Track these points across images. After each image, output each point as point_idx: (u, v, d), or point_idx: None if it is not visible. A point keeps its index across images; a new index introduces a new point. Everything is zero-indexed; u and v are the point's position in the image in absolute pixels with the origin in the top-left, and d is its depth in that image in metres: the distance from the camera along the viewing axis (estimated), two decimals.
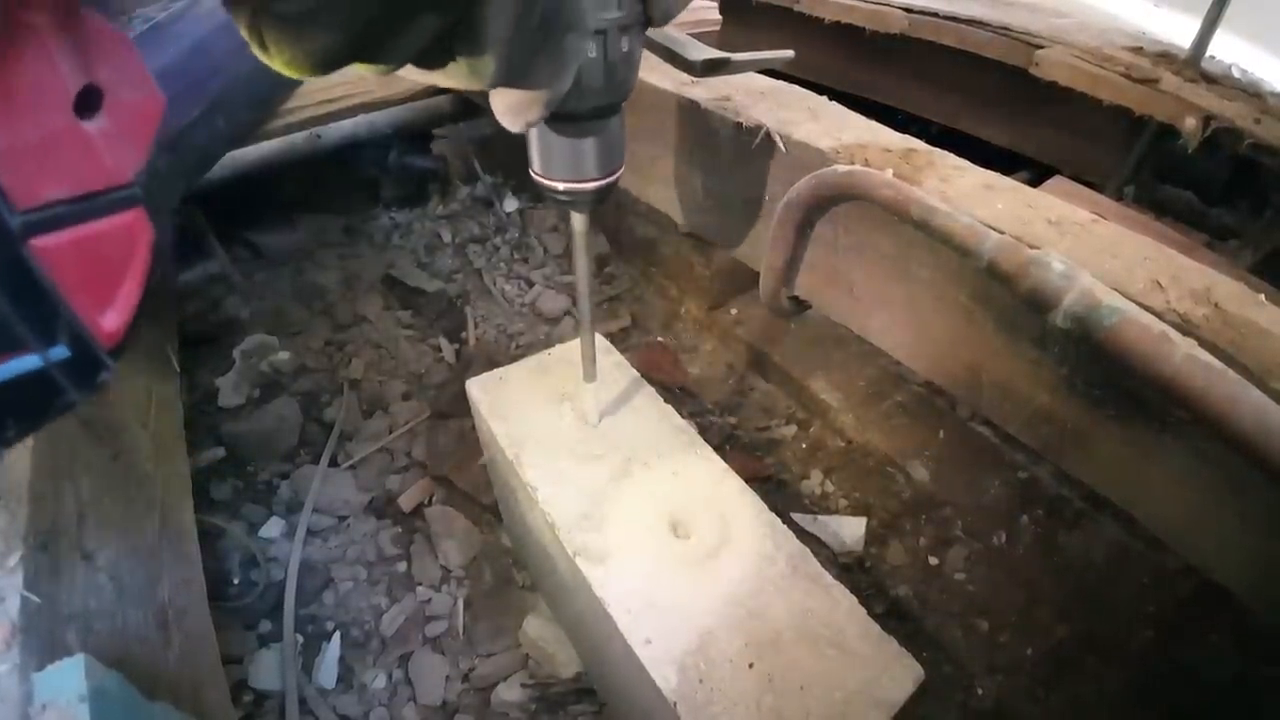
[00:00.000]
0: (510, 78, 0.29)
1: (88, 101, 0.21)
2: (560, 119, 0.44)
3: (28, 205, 0.19)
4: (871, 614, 0.61)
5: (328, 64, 0.25)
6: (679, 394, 1.38)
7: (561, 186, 0.49)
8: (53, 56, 0.20)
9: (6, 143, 0.18)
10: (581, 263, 0.59)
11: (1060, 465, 0.61)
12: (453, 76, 0.29)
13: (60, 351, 0.21)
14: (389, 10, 0.24)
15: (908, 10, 1.33)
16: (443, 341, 1.49)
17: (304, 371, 1.38)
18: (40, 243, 0.20)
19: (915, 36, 1.33)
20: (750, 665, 0.57)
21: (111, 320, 0.22)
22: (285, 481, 1.19)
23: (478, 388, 0.83)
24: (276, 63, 0.24)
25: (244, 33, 0.24)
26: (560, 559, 0.71)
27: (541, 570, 0.93)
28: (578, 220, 0.55)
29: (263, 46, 0.24)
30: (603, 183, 0.49)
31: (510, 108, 0.33)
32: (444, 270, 1.69)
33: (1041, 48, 1.18)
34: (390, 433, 1.28)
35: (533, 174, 0.50)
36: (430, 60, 0.28)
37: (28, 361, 0.20)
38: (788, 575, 0.63)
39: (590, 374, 0.71)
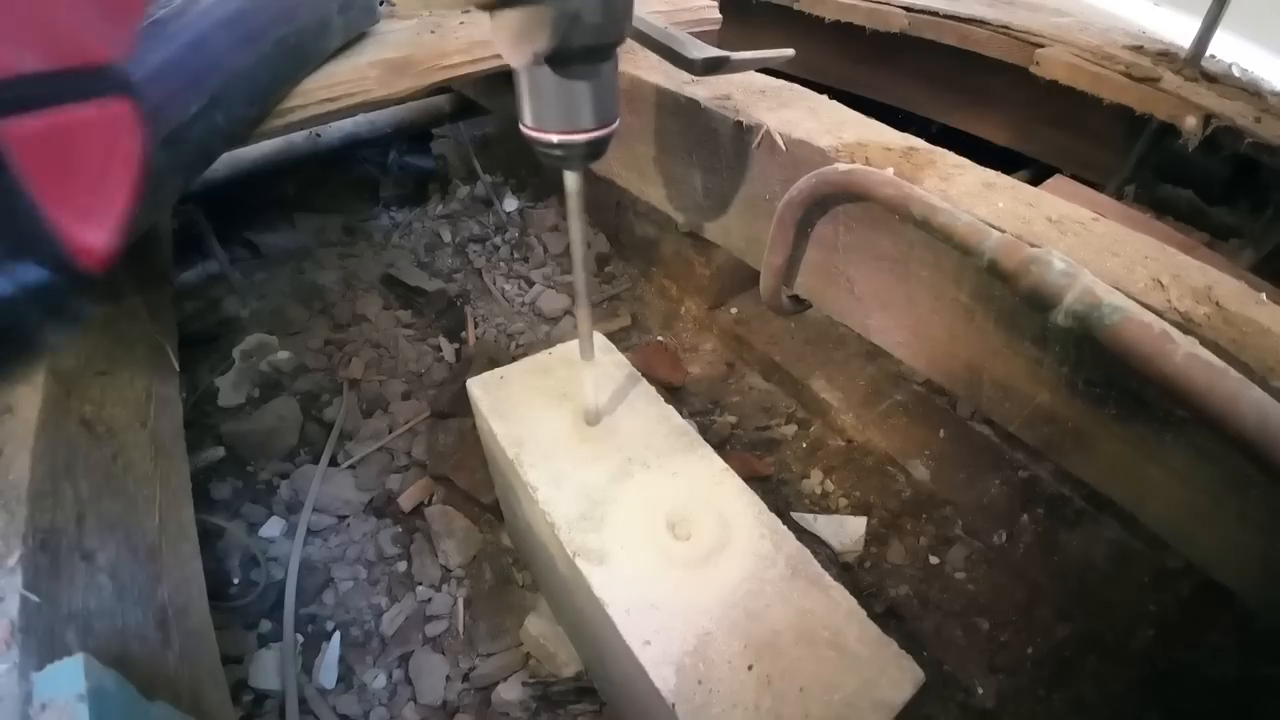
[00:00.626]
0: None
1: None
2: (557, 59, 0.43)
3: None
4: (872, 613, 0.61)
5: None
6: (679, 393, 1.38)
7: (556, 139, 0.48)
8: None
9: None
10: (576, 226, 0.57)
11: (1061, 464, 0.61)
12: None
13: (31, 271, 0.17)
14: None
15: (908, 9, 1.33)
16: (443, 341, 1.49)
17: (304, 371, 1.38)
18: (8, 125, 0.16)
19: (916, 35, 1.33)
20: (749, 667, 0.57)
21: (93, 234, 0.18)
22: (285, 481, 1.19)
23: (478, 387, 0.83)
24: None
25: None
26: (560, 559, 0.71)
27: (542, 569, 0.93)
28: (571, 180, 0.53)
29: None
30: (597, 134, 0.48)
31: (518, 33, 0.33)
32: (444, 270, 1.69)
33: (1042, 46, 1.18)
34: (390, 432, 1.28)
35: (524, 129, 0.49)
36: None
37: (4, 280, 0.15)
38: (787, 576, 0.63)
39: (588, 352, 0.69)
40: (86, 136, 0.17)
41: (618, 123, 0.49)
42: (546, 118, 0.47)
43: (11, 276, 0.15)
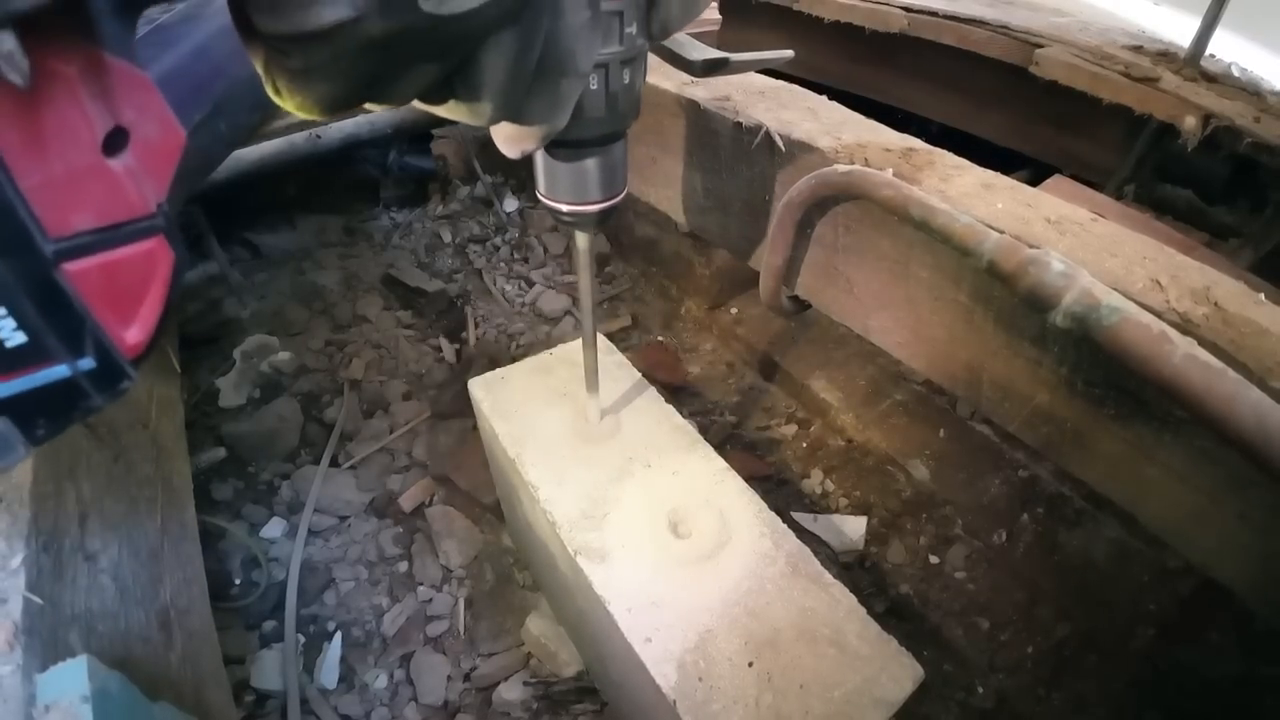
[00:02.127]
0: (506, 117, 0.31)
1: (114, 141, 0.23)
2: (562, 146, 0.46)
3: (59, 234, 0.22)
4: (872, 612, 0.61)
5: (335, 108, 0.27)
6: (679, 393, 1.38)
7: (565, 208, 0.50)
8: (81, 102, 0.22)
9: (40, 179, 0.21)
10: (585, 280, 0.60)
11: (1060, 464, 0.61)
12: (453, 111, 0.30)
13: (87, 362, 0.23)
14: (387, 66, 0.26)
15: (907, 9, 1.33)
16: (443, 341, 1.49)
17: (304, 371, 1.38)
18: (70, 267, 0.22)
19: (915, 35, 1.33)
20: (750, 664, 0.57)
21: (134, 334, 0.24)
22: (286, 482, 1.19)
23: (480, 387, 0.83)
24: (288, 105, 0.26)
25: (261, 74, 0.26)
26: (561, 558, 0.71)
27: (543, 569, 0.93)
28: (581, 239, 0.56)
29: (276, 92, 0.26)
30: (606, 205, 0.50)
31: (508, 139, 0.35)
32: (444, 270, 1.69)
33: (1041, 46, 1.18)
34: (391, 433, 1.28)
35: (538, 194, 0.51)
36: (431, 99, 0.30)
37: (58, 371, 0.23)
38: (787, 574, 0.64)
39: (593, 386, 0.72)
40: (130, 267, 0.23)
41: (625, 190, 0.52)
42: (557, 190, 0.49)
43: (73, 366, 0.23)
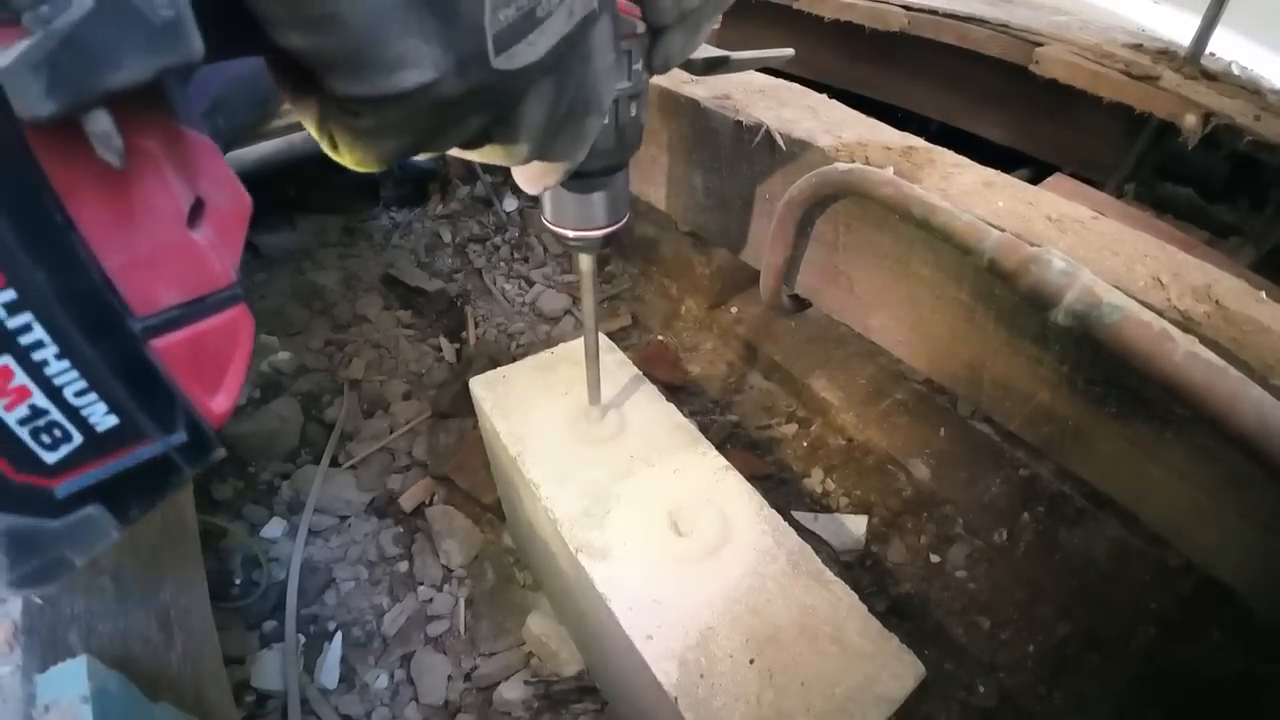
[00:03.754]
0: (540, 155, 0.33)
1: (194, 213, 0.22)
2: (572, 178, 0.47)
3: (147, 312, 0.21)
4: (873, 611, 0.61)
5: (391, 161, 0.28)
6: (680, 392, 1.38)
7: (572, 235, 0.53)
8: (166, 176, 0.21)
9: (127, 258, 0.21)
10: (588, 300, 0.62)
11: (1061, 463, 0.61)
12: (486, 155, 0.32)
13: (179, 437, 0.23)
14: (449, 120, 0.27)
15: (907, 8, 1.33)
16: (443, 341, 1.49)
17: (304, 371, 1.38)
18: (159, 343, 0.22)
19: (915, 34, 1.33)
20: (751, 661, 0.57)
21: (220, 403, 0.24)
22: (286, 481, 1.19)
23: (481, 386, 0.83)
24: (346, 160, 0.27)
25: (313, 133, 0.27)
26: (562, 556, 0.71)
27: (544, 568, 0.93)
28: (585, 261, 0.58)
29: (333, 148, 0.27)
30: (610, 230, 0.53)
31: (531, 178, 0.37)
32: (444, 270, 1.69)
33: (1041, 45, 1.18)
34: (391, 432, 1.28)
35: (543, 220, 0.54)
36: (469, 145, 0.31)
37: (150, 450, 0.23)
38: (788, 572, 0.64)
39: (595, 398, 0.73)
40: (215, 339, 0.23)
41: (628, 216, 0.55)
42: (563, 218, 0.52)
43: (165, 443, 0.23)
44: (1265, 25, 1.34)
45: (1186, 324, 0.48)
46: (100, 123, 0.18)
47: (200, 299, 0.23)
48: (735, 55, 0.57)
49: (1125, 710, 0.91)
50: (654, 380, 0.84)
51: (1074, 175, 1.20)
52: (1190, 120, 1.01)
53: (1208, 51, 1.13)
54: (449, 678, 0.96)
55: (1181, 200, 1.19)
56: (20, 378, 0.19)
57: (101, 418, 0.21)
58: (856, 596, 0.62)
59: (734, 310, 1.52)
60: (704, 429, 1.30)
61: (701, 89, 0.80)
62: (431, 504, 1.17)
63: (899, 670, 0.57)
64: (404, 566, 1.09)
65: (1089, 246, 0.55)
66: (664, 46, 0.40)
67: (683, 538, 0.67)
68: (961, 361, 0.65)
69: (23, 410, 0.20)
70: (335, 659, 0.97)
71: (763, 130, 0.72)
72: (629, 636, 0.59)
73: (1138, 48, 1.18)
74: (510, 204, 1.86)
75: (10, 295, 0.18)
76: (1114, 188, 1.22)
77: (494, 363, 0.88)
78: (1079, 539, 1.06)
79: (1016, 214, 0.58)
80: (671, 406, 0.80)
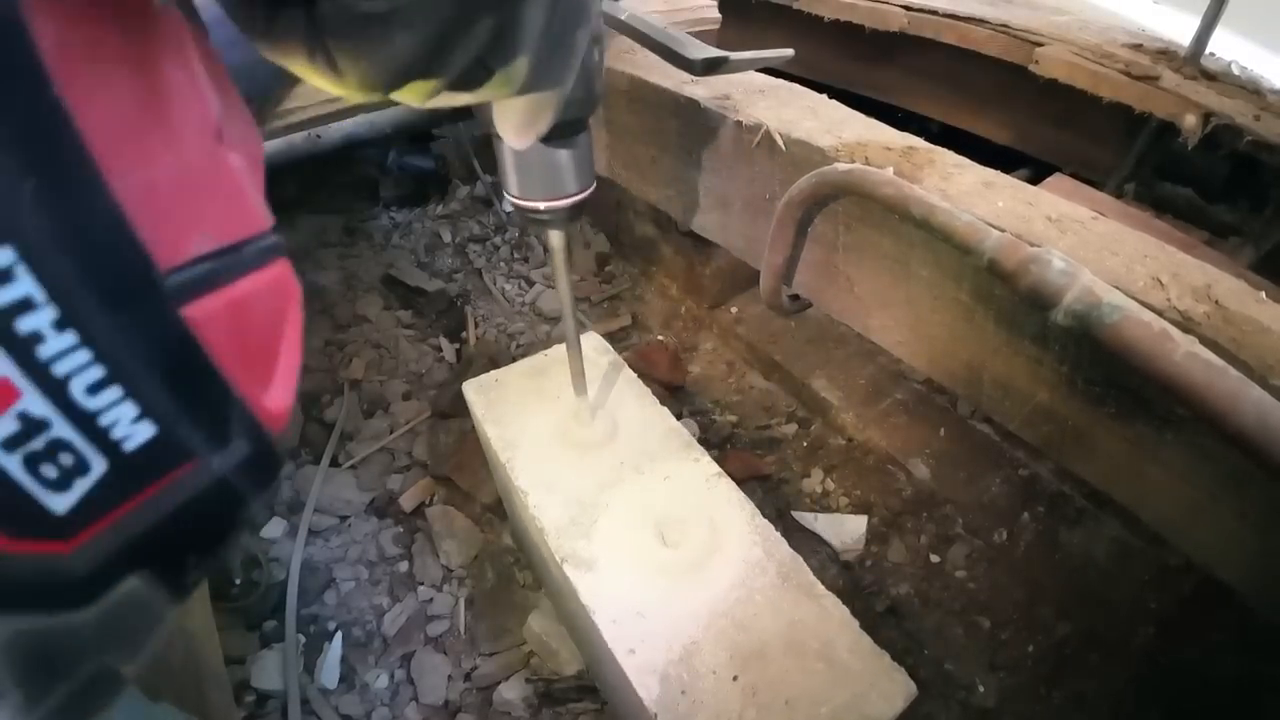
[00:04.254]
0: (535, 78, 0.31)
1: (219, 135, 0.16)
2: (542, 139, 0.47)
3: (174, 263, 0.14)
4: (872, 612, 0.60)
5: (397, 74, 0.25)
6: (679, 393, 1.38)
7: (543, 206, 0.52)
8: (194, 69, 0.16)
9: (147, 177, 0.14)
10: (562, 279, 0.61)
11: (1061, 463, 0.61)
12: (484, 92, 0.30)
13: (238, 450, 0.16)
14: (460, 10, 0.24)
15: (907, 8, 1.33)
16: (443, 341, 1.49)
17: (304, 371, 1.38)
18: (192, 311, 0.15)
19: (915, 34, 1.33)
20: (734, 677, 0.56)
21: (276, 398, 0.17)
22: (286, 481, 1.19)
23: (474, 390, 0.82)
24: (348, 84, 0.24)
25: (302, 64, 0.23)
26: (552, 563, 0.70)
27: (541, 570, 0.93)
28: (556, 238, 0.57)
29: (332, 68, 0.23)
30: (579, 198, 0.52)
31: (522, 121, 0.35)
32: (444, 270, 1.69)
33: (1041, 45, 1.18)
34: (391, 433, 1.28)
35: (510, 198, 0.53)
36: (467, 79, 0.29)
37: (203, 471, 0.15)
38: (777, 585, 0.62)
39: (580, 388, 0.72)
40: (260, 305, 0.16)
41: (594, 185, 0.54)
42: (531, 188, 0.51)
43: (222, 460, 0.15)
44: (1265, 25, 1.34)
45: (1186, 324, 0.48)
46: None
47: (236, 246, 0.16)
48: (735, 56, 0.57)
49: (1125, 710, 0.91)
50: (653, 381, 0.83)
51: (1074, 175, 1.20)
52: (1190, 120, 1.01)
53: (1207, 51, 1.13)
54: (449, 677, 0.96)
55: (1181, 200, 1.19)
56: (2, 365, 0.11)
57: (130, 428, 0.13)
58: (848, 611, 0.60)
59: (734, 310, 1.52)
60: (704, 429, 1.31)
61: (701, 89, 0.80)
62: (431, 504, 1.17)
63: (889, 689, 0.55)
64: (404, 566, 1.09)
65: (1089, 247, 0.55)
66: None
67: (670, 548, 0.65)
68: (961, 361, 0.65)
69: (8, 424, 0.12)
70: (335, 659, 0.97)
71: (763, 130, 0.72)
72: (612, 649, 0.58)
73: (1138, 48, 1.18)
74: (510, 204, 1.86)
75: None
76: (1114, 188, 1.22)
77: (494, 363, 0.88)
78: (1079, 539, 1.06)
79: (1016, 214, 0.58)
80: (665, 410, 0.79)
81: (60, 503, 0.13)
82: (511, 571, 1.08)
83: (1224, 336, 0.47)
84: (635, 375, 0.84)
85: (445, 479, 1.19)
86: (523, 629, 1.00)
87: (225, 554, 0.17)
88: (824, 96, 0.80)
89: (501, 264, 1.72)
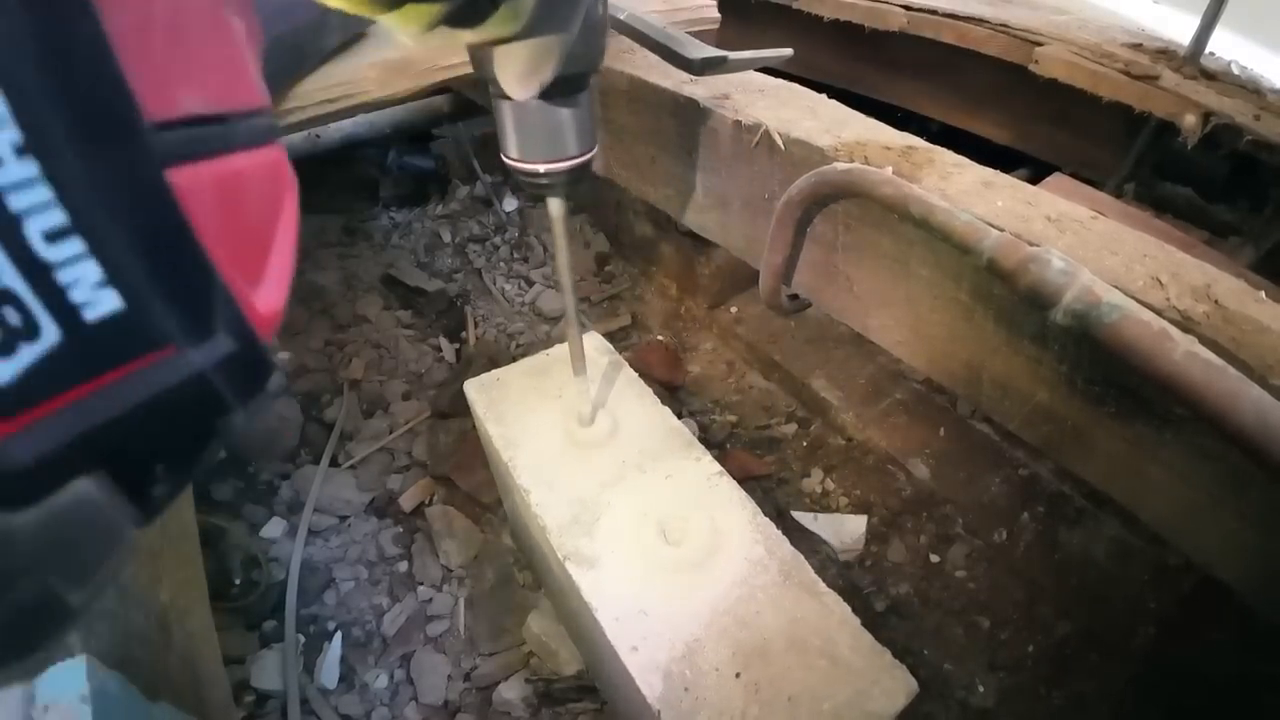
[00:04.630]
0: (539, 16, 0.30)
1: None
2: (542, 94, 0.45)
3: (162, 114, 0.13)
4: (872, 612, 0.61)
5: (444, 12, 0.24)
6: (679, 393, 1.38)
7: (543, 169, 0.50)
8: None
9: (141, 15, 0.12)
10: (562, 251, 0.59)
11: (1061, 462, 0.61)
12: (486, 30, 0.29)
13: (222, 346, 0.14)
14: None
15: (907, 7, 1.33)
16: (443, 341, 1.49)
17: (304, 371, 1.38)
18: (178, 177, 0.13)
19: (914, 34, 1.33)
20: (737, 675, 0.56)
21: (267, 299, 0.16)
22: (286, 481, 1.19)
23: (475, 389, 0.82)
24: (402, 16, 0.23)
25: None
26: (554, 562, 0.71)
27: (541, 569, 0.93)
28: (555, 205, 0.55)
29: None
30: (579, 161, 0.50)
31: (525, 69, 0.34)
32: (444, 270, 1.69)
33: (1041, 45, 1.18)
34: (391, 432, 1.28)
35: (507, 161, 0.51)
36: (470, 12, 0.28)
37: (178, 363, 0.13)
38: (779, 583, 0.62)
39: (579, 368, 0.70)
40: (253, 187, 0.15)
41: (596, 149, 0.52)
42: (531, 149, 0.49)
43: (202, 353, 0.13)
44: (1265, 25, 1.34)
45: (1186, 323, 0.48)
46: None
47: (231, 116, 0.14)
48: (734, 55, 0.57)
49: (1125, 710, 0.91)
50: (653, 381, 0.83)
51: (1073, 175, 1.20)
52: (1190, 120, 1.01)
53: (1207, 51, 1.13)
54: (449, 677, 0.96)
55: (1181, 200, 1.19)
56: None
57: (92, 293, 0.11)
58: (849, 609, 0.61)
59: (734, 310, 1.52)
60: (703, 429, 1.31)
61: (700, 89, 0.80)
62: (431, 504, 1.17)
63: (890, 686, 0.55)
64: (404, 566, 1.09)
65: (1088, 246, 0.54)
66: None
67: (672, 546, 0.65)
68: (960, 361, 0.65)
69: None
70: (335, 659, 0.97)
71: (762, 130, 0.72)
72: (614, 647, 0.58)
73: (1137, 47, 1.17)
74: (510, 204, 1.86)
75: None
76: (1113, 187, 1.22)
77: (494, 363, 0.87)
78: (1079, 539, 1.06)
79: (1015, 214, 0.58)
80: (666, 410, 0.79)
81: (3, 371, 0.11)
82: (511, 571, 1.08)
83: (1223, 336, 0.47)
84: (636, 375, 0.84)
85: (445, 479, 1.19)
86: (522, 629, 1.00)
87: (199, 467, 0.15)
88: (823, 96, 0.80)
89: (501, 264, 1.71)
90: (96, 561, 0.13)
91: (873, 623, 0.62)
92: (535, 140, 0.49)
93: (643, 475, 0.72)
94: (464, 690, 0.95)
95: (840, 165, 0.62)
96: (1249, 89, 1.08)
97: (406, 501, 1.16)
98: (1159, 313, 0.47)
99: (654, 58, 0.60)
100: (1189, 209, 1.18)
